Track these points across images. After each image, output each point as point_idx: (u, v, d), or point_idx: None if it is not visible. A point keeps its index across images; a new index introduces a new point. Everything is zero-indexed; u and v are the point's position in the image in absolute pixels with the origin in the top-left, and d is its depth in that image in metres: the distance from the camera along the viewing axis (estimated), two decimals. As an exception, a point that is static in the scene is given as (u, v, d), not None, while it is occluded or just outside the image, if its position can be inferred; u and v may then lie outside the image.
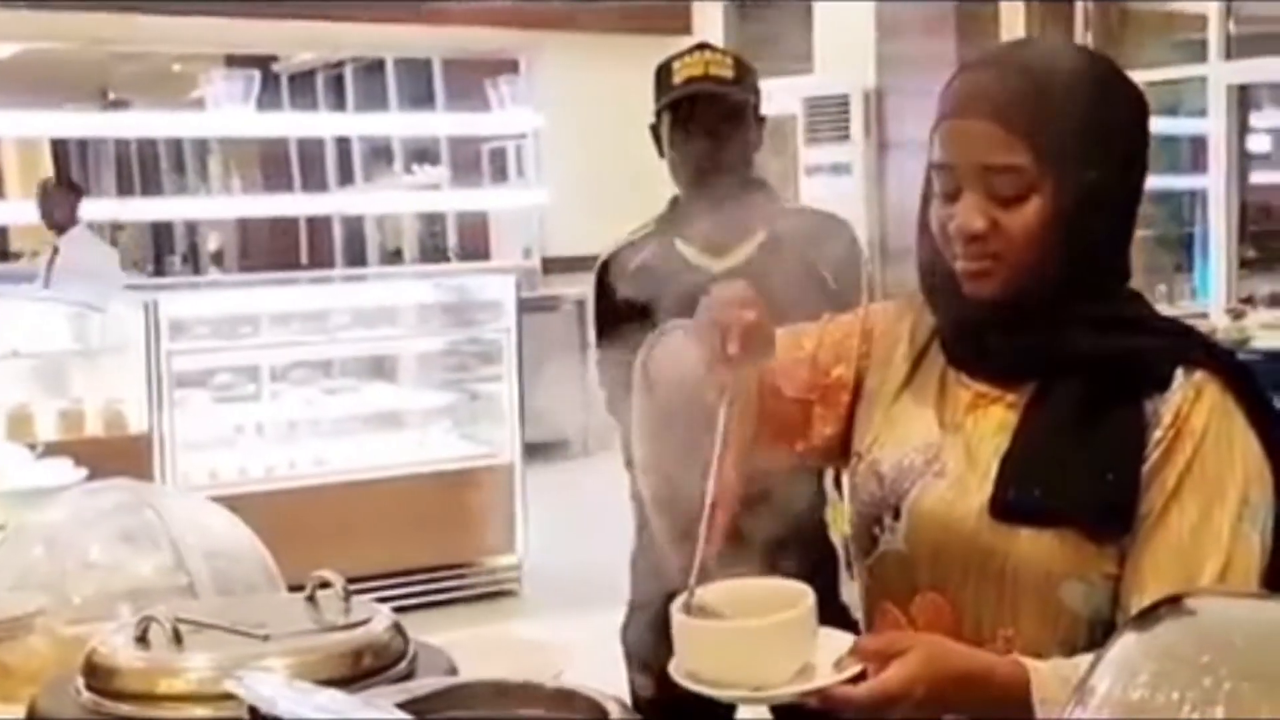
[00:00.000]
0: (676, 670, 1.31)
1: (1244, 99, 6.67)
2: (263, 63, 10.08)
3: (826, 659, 1.29)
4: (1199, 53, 6.35)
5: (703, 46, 2.83)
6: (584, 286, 9.41)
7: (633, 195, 8.83)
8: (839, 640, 1.31)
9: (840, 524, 2.67)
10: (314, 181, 11.28)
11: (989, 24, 7.03)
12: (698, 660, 1.31)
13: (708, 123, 2.71)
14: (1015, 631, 1.44)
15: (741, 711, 2.43)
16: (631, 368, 2.87)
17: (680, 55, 2.83)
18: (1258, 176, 7.77)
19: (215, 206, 10.98)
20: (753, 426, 1.55)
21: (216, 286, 7.79)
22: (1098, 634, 1.43)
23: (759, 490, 1.65)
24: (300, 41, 9.94)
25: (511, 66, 9.30)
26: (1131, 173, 1.50)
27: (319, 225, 11.44)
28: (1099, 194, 1.45)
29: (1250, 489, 1.43)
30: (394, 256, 10.86)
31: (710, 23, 8.68)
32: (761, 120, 2.84)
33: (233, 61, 9.65)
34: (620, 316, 2.87)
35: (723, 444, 1.46)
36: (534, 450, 6.19)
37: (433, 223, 10.69)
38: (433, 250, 10.55)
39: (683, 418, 1.58)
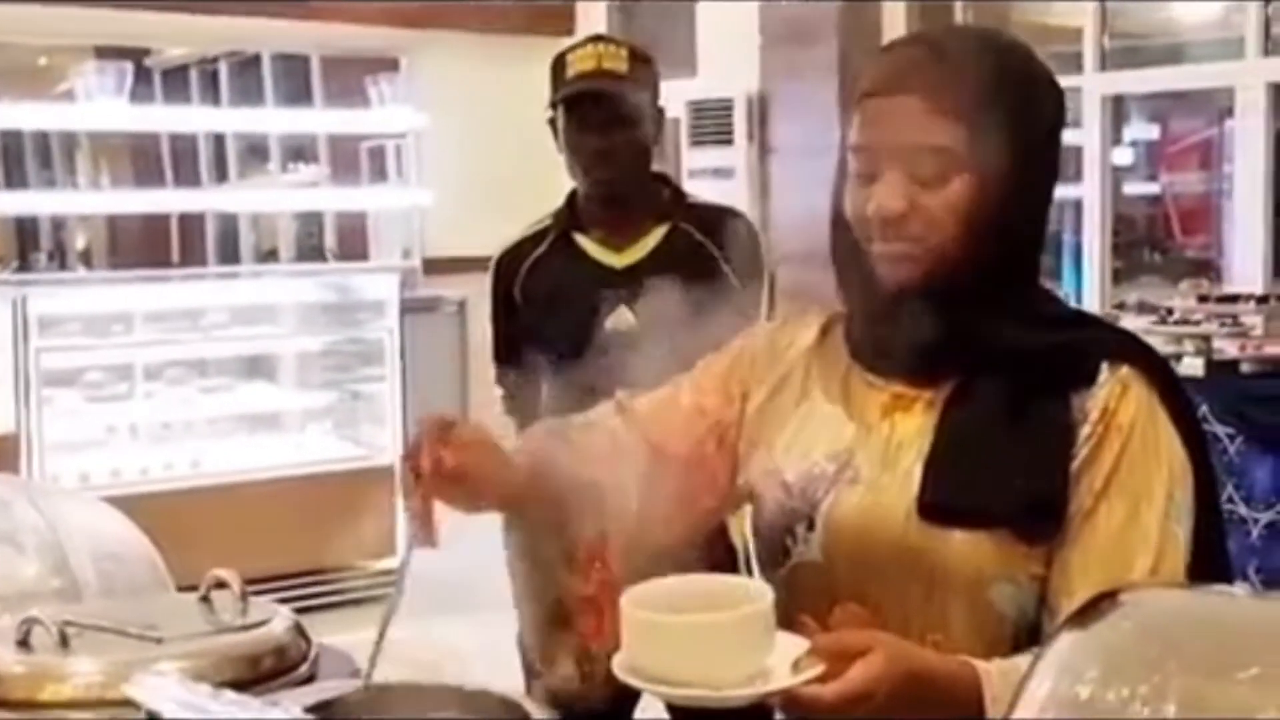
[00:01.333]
0: (625, 668, 1.25)
1: (1117, 110, 6.80)
2: (134, 56, 9.84)
3: (780, 661, 1.24)
4: (1075, 64, 6.45)
5: (598, 39, 2.79)
6: (465, 288, 9.34)
7: (515, 195, 8.78)
8: (789, 642, 1.26)
9: (741, 526, 2.64)
10: (187, 178, 11.02)
11: (872, 28, 7.08)
12: (650, 657, 1.25)
13: (602, 117, 2.68)
14: (944, 636, 1.41)
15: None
16: (530, 367, 2.83)
17: (575, 48, 2.79)
18: (1128, 188, 7.94)
19: (84, 202, 10.65)
20: (632, 517, 1.50)
21: (87, 283, 7.57)
22: (1022, 636, 1.41)
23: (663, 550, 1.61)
24: (173, 35, 9.70)
25: (392, 65, 9.17)
26: (1049, 159, 1.49)
27: (192, 223, 11.17)
28: (1020, 178, 1.43)
29: (1175, 486, 1.42)
30: (269, 256, 10.64)
31: (594, 24, 8.64)
32: (660, 112, 2.81)
33: (103, 54, 9.39)
34: (518, 314, 2.82)
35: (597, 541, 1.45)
36: (407, 452, 6.09)
37: (309, 222, 10.50)
38: (310, 250, 10.35)
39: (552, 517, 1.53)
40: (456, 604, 4.82)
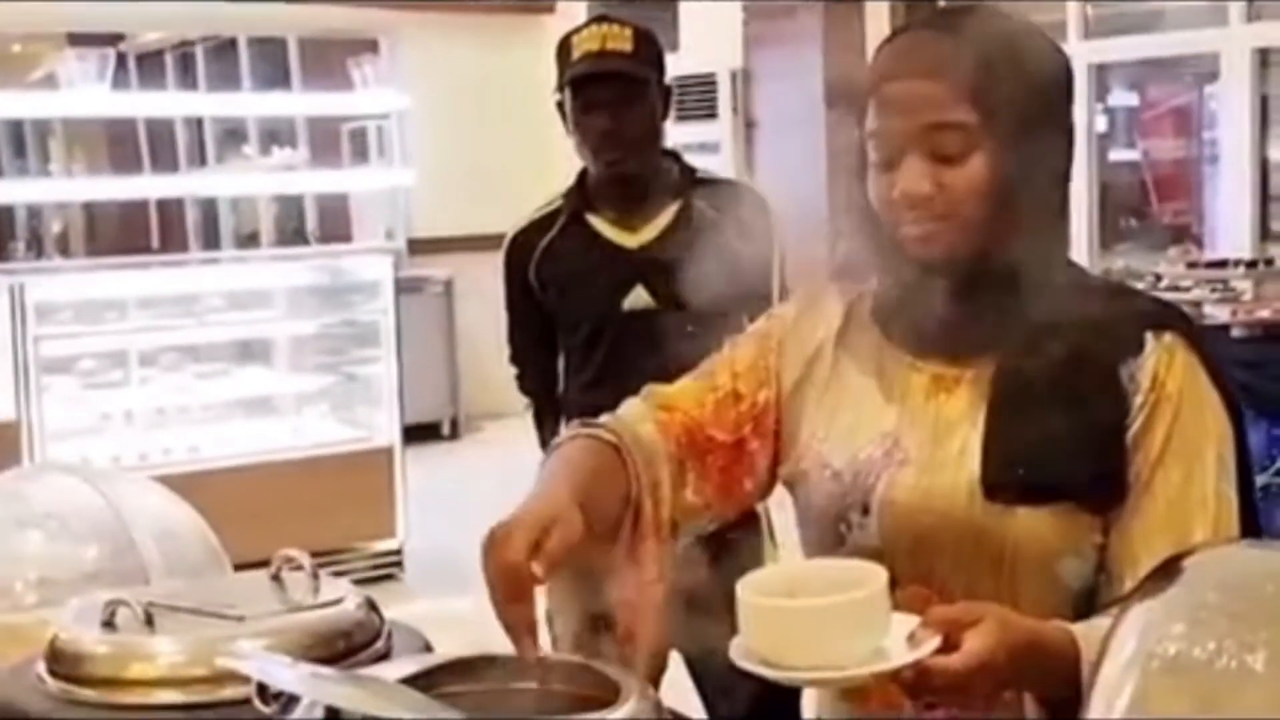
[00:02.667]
0: (745, 656, 1.25)
1: (1101, 79, 6.84)
2: (109, 42, 9.78)
3: (895, 639, 1.24)
4: (1059, 32, 6.49)
5: (602, 19, 2.80)
6: (451, 268, 9.31)
7: (498, 174, 8.80)
8: (899, 619, 1.27)
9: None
10: (165, 164, 10.98)
11: (853, 2, 7.11)
12: (773, 644, 1.24)
13: (609, 98, 2.69)
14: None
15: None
16: (545, 345, 2.85)
17: (579, 30, 2.80)
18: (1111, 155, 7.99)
19: (61, 189, 10.62)
20: (668, 517, 1.50)
21: (67, 270, 7.55)
22: (1081, 605, 1.43)
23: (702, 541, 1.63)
24: (148, 20, 9.67)
25: (372, 46, 9.16)
26: (1063, 128, 1.51)
27: (171, 209, 11.14)
28: (1039, 151, 1.45)
29: (1222, 447, 1.45)
30: (250, 240, 10.62)
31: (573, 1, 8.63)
32: (668, 90, 2.83)
33: (77, 41, 9.34)
34: (531, 295, 2.85)
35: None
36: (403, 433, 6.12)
37: (290, 205, 10.47)
38: (291, 233, 10.34)
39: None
40: (457, 583, 4.84)
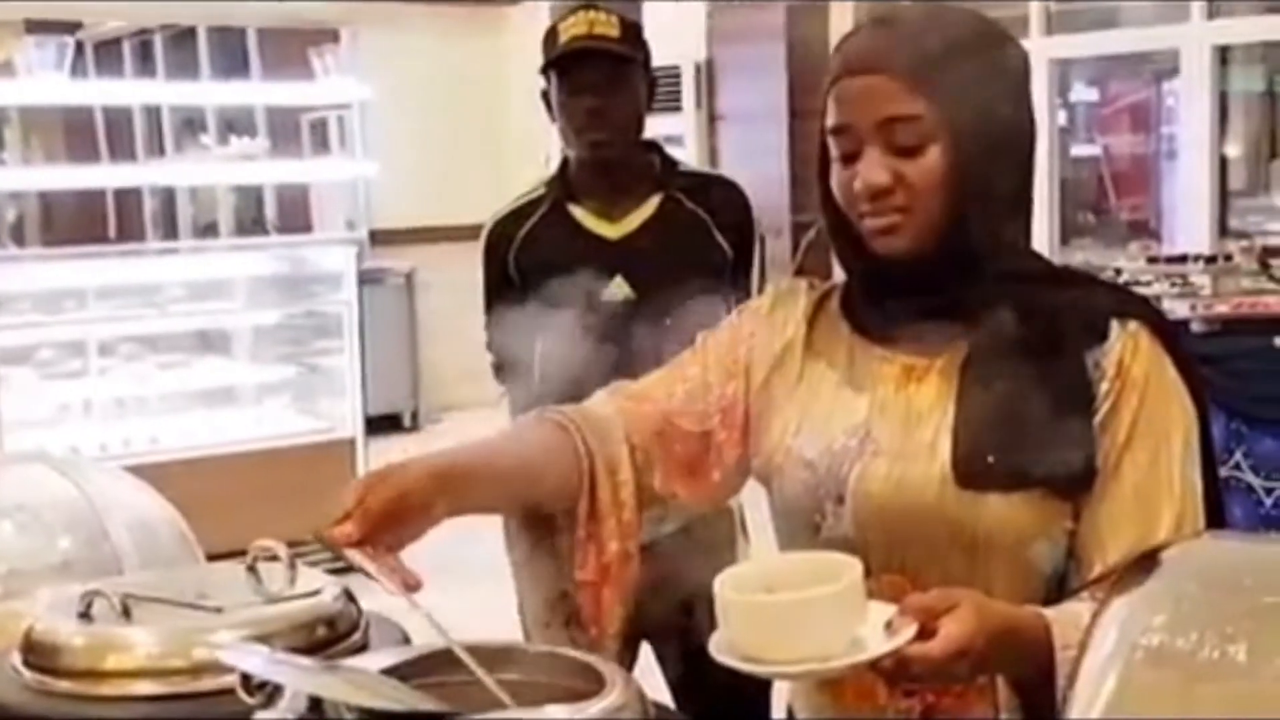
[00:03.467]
0: (725, 651, 1.25)
1: (1063, 74, 6.88)
2: (68, 30, 9.69)
3: (873, 627, 1.25)
4: (1020, 27, 6.52)
5: (588, 6, 2.80)
6: (412, 260, 9.25)
7: (460, 166, 8.75)
8: (875, 608, 1.28)
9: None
10: (122, 152, 10.89)
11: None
12: (753, 639, 1.25)
13: (594, 78, 2.69)
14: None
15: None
16: (522, 334, 2.85)
17: (565, 16, 2.80)
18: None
19: (16, 178, 10.50)
20: (631, 496, 1.54)
21: (41, 260, 7.49)
22: (1052, 590, 1.45)
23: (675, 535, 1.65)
24: (107, 9, 9.58)
25: (333, 36, 9.11)
26: (1021, 118, 1.52)
27: (128, 198, 11.05)
28: (997, 141, 1.47)
29: (1188, 433, 1.47)
30: (208, 230, 10.55)
31: (537, -9, 8.60)
32: (652, 82, 2.82)
33: (35, 28, 9.25)
34: (509, 283, 2.83)
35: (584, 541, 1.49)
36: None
37: (249, 195, 10.41)
38: (250, 223, 10.29)
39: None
40: (447, 575, 4.83)
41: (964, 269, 1.47)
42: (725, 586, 1.27)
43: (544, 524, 1.56)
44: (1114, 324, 1.48)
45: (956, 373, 1.49)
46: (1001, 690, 1.35)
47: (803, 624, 1.24)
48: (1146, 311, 1.53)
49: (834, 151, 1.50)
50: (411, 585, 1.35)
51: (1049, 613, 1.34)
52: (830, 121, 1.50)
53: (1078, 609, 1.31)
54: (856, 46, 1.50)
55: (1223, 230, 5.99)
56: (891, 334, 1.54)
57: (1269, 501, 4.14)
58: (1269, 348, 4.31)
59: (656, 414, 1.60)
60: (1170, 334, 1.51)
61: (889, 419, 1.51)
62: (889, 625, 1.25)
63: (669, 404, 1.61)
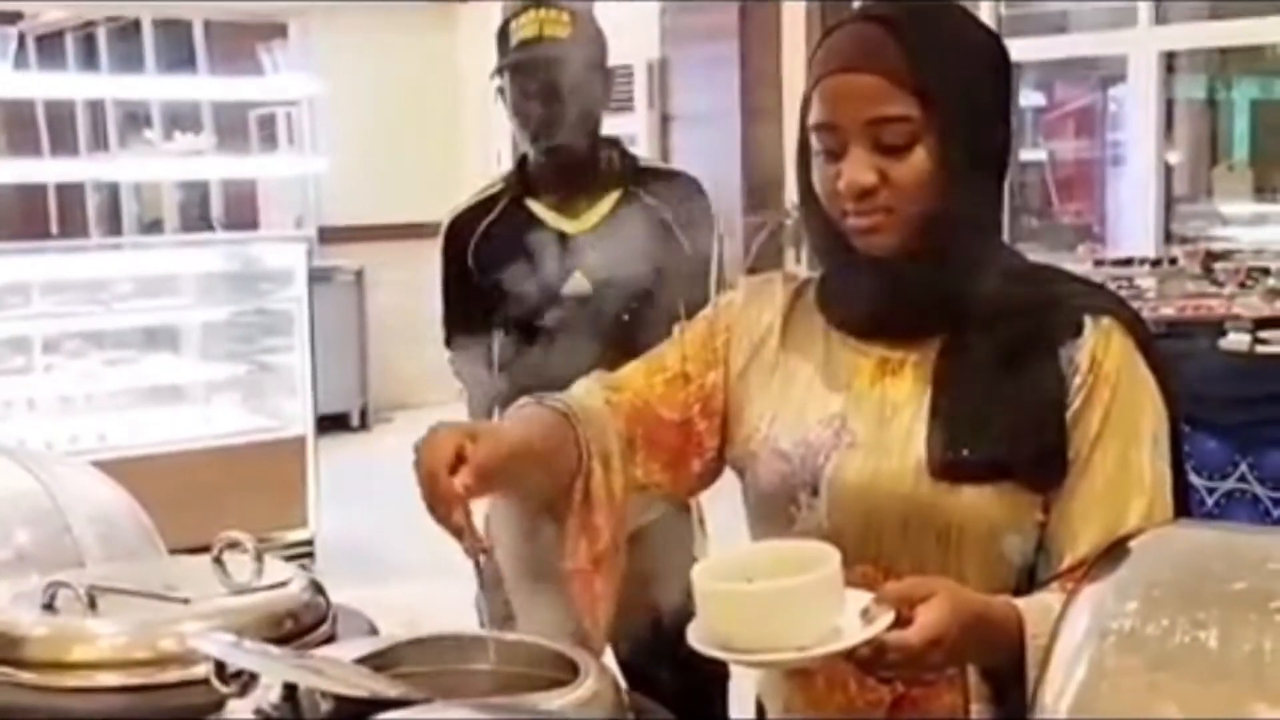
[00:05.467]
0: (704, 641, 1.26)
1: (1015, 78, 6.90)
2: (9, 21, 9.59)
3: (850, 616, 1.26)
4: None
5: (540, 4, 2.79)
6: (362, 258, 9.18)
7: (408, 164, 8.69)
8: (852, 596, 1.28)
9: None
10: (64, 147, 10.78)
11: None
12: (732, 628, 1.26)
13: (545, 84, 2.68)
14: None
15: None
16: (480, 329, 2.84)
17: (517, 14, 2.79)
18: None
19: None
20: (621, 487, 1.54)
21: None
22: (1022, 582, 1.47)
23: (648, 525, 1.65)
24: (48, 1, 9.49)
25: (281, 31, 9.04)
26: (1002, 118, 1.54)
27: (70, 193, 10.94)
28: (982, 140, 1.49)
29: (1158, 427, 1.49)
30: (153, 226, 10.45)
31: (487, -12, 8.57)
32: (608, 74, 2.82)
33: (-30, 19, 9.15)
34: (468, 278, 2.82)
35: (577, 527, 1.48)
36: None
37: (194, 191, 10.32)
38: (196, 220, 10.19)
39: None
40: (370, 574, 4.81)
41: (943, 266, 1.48)
42: (704, 576, 1.28)
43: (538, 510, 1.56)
44: (1087, 320, 1.49)
45: (931, 366, 1.51)
46: (971, 679, 1.36)
47: (780, 613, 1.24)
48: (1120, 308, 1.54)
49: (816, 146, 1.50)
50: (485, 549, 1.36)
51: (1020, 603, 1.36)
52: (815, 118, 1.49)
53: (1048, 599, 1.33)
54: (846, 42, 1.49)
55: (1166, 236, 6.05)
56: (868, 327, 1.56)
57: (1276, 513, 4.13)
58: (1213, 349, 4.36)
59: (638, 404, 1.61)
60: (1142, 330, 1.53)
61: (864, 411, 1.52)
62: (865, 613, 1.25)
63: (650, 394, 1.62)
